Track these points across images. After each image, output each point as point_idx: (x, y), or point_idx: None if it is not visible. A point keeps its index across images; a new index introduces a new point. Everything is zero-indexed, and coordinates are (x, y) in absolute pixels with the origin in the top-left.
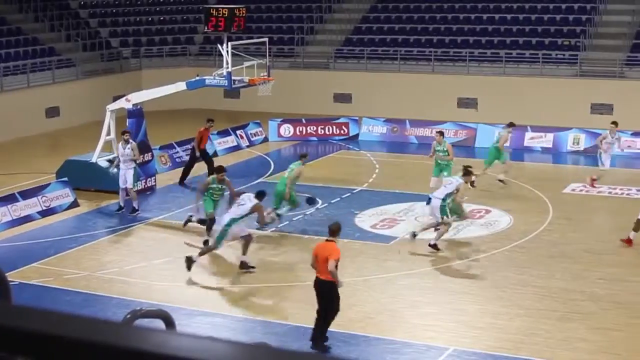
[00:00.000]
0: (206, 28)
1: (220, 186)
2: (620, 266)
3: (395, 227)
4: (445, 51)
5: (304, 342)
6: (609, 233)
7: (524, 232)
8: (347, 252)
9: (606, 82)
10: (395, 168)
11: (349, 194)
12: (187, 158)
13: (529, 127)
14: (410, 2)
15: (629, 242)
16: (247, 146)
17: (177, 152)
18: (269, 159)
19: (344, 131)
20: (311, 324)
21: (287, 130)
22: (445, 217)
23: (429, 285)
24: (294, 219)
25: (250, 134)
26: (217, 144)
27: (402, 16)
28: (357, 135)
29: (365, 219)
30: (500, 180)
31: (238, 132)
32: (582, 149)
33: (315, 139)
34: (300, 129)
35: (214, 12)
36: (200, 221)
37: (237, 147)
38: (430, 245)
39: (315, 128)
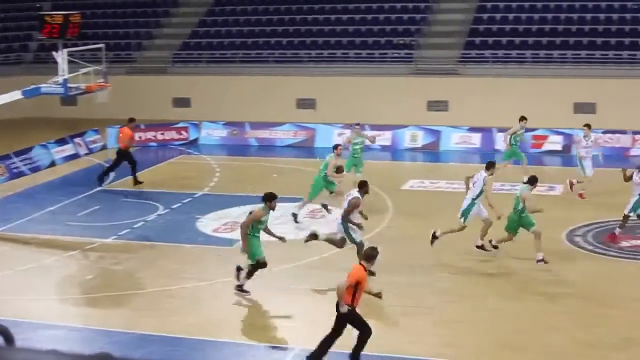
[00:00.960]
0: (41, 35)
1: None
2: (463, 261)
3: (238, 230)
4: (283, 53)
5: (147, 350)
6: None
7: (366, 230)
8: (190, 256)
9: (441, 80)
10: (235, 171)
11: (190, 199)
12: (24, 168)
13: (367, 126)
14: (247, 5)
15: (613, 237)
16: (86, 154)
17: (14, 162)
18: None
19: (184, 136)
20: (153, 331)
21: None
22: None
23: (271, 286)
24: (135, 226)
25: (89, 141)
26: (55, 152)
27: (240, 19)
28: (197, 139)
29: (208, 223)
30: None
31: (76, 140)
32: (420, 145)
33: (155, 144)
34: (140, 135)
35: (49, 18)
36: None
37: (75, 156)
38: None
39: (154, 133)
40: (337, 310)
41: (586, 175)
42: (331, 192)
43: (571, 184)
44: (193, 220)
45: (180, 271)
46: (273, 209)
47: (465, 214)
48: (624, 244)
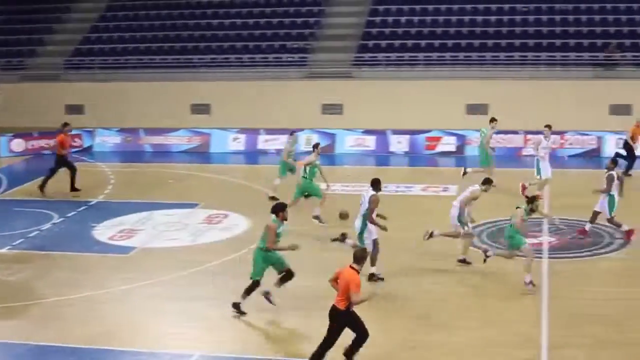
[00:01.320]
0: None
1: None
2: (381, 263)
3: (134, 237)
4: (177, 58)
5: None
6: (348, 228)
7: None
8: (87, 265)
9: (335, 83)
10: (130, 177)
11: (85, 207)
12: None
13: (262, 130)
14: (140, 10)
15: (583, 232)
16: None
17: None
18: (1, 175)
19: (78, 143)
20: (52, 342)
21: (18, 145)
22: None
23: (170, 293)
24: (29, 235)
25: None
26: None
27: (132, 24)
28: (91, 146)
29: (103, 231)
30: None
31: None
32: None
33: (49, 152)
34: (33, 143)
35: None
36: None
37: None
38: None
39: (48, 141)
40: (331, 315)
41: (542, 176)
42: (307, 196)
43: (523, 187)
44: (89, 228)
45: (77, 280)
46: (286, 219)
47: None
48: None
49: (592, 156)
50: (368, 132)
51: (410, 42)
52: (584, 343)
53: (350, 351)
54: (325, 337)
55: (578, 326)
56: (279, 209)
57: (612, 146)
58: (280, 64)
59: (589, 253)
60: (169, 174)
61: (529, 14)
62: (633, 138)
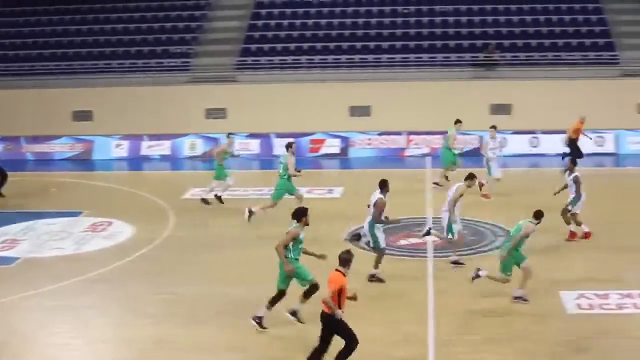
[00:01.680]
0: None
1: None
2: (248, 265)
3: (17, 247)
4: (58, 64)
5: None
6: (236, 233)
7: (147, 241)
8: None
9: (219, 87)
10: (13, 186)
11: None
12: None
13: (145, 136)
14: (18, 17)
15: (573, 235)
16: None
17: None
18: None
19: None
20: None
21: None
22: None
23: (55, 304)
24: None
25: None
26: None
27: (10, 31)
28: None
29: None
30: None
31: None
32: (199, 154)
33: None
34: None
35: None
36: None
37: None
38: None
39: None
40: (323, 320)
41: (492, 176)
42: (291, 194)
43: (481, 185)
44: None
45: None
46: (307, 224)
47: (450, 229)
48: (402, 242)
49: (473, 155)
50: (252, 135)
51: (293, 45)
52: (472, 340)
53: (341, 357)
54: (318, 342)
55: (465, 323)
56: (302, 214)
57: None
58: (163, 69)
59: (472, 251)
60: (52, 183)
61: (410, 16)
62: (576, 132)
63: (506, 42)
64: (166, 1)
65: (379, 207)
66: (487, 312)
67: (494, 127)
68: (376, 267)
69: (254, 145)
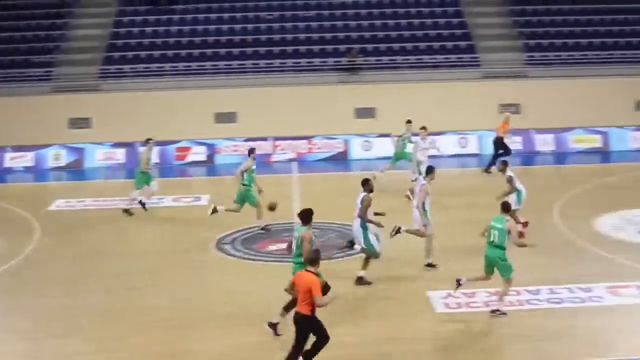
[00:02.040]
0: None
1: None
2: (122, 276)
3: None
4: None
5: None
6: (100, 245)
7: (11, 255)
8: None
9: (82, 96)
10: None
11: None
12: None
13: (8, 148)
14: None
15: (525, 225)
16: None
17: None
18: None
19: None
20: None
21: None
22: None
23: None
24: None
25: None
26: None
27: None
28: None
29: None
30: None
31: None
32: (64, 164)
33: None
34: None
35: None
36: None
37: None
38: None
39: None
40: (298, 322)
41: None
42: (253, 204)
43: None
44: None
45: None
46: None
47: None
48: (271, 247)
49: (339, 159)
50: (118, 145)
51: (157, 53)
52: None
53: (311, 354)
54: (293, 344)
55: (358, 324)
56: (310, 217)
57: (358, 149)
58: (24, 79)
59: (341, 254)
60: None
61: (274, 22)
62: (500, 130)
63: (369, 47)
64: (27, 10)
65: (365, 204)
66: (373, 312)
67: (424, 128)
68: (364, 268)
69: (120, 155)
